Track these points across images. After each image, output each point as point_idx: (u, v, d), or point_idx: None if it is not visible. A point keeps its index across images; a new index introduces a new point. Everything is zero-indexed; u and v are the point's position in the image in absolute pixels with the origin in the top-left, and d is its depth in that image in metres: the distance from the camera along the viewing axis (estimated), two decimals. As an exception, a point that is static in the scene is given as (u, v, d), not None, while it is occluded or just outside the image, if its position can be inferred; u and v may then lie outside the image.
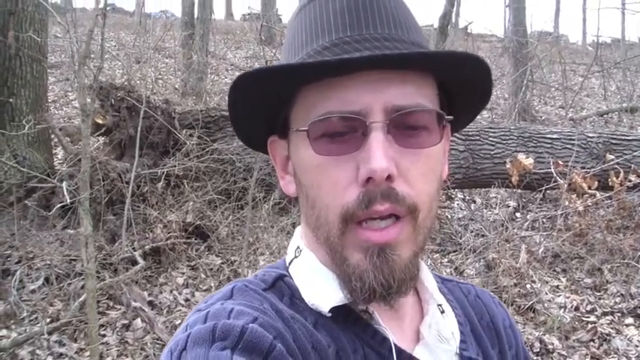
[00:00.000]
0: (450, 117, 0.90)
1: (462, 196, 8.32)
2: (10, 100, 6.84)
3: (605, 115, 13.95)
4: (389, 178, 0.81)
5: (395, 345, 0.89)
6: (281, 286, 0.93)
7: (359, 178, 0.82)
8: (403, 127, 0.84)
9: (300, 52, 0.89)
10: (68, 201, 4.73)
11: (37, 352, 4.32)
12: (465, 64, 0.88)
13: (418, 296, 1.00)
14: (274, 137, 0.99)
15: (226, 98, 0.90)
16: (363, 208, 0.82)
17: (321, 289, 0.91)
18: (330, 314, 0.88)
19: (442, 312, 0.99)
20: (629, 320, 5.06)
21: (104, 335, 4.57)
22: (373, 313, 0.90)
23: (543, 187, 6.78)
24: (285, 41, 0.98)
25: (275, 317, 0.83)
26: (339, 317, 0.89)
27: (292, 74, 0.85)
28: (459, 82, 0.91)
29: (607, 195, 6.57)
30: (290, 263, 0.98)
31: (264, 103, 0.92)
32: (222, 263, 5.87)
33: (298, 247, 0.98)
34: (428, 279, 1.00)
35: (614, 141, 7.20)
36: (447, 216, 7.26)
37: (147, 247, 5.63)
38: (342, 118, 0.83)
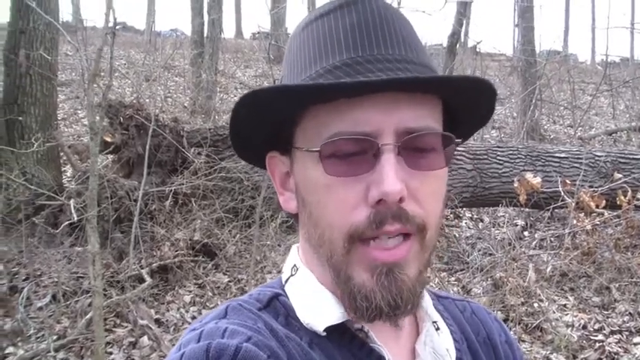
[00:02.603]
0: (459, 140, 0.89)
1: (470, 215, 8.31)
2: (20, 118, 6.91)
3: (613, 134, 13.91)
4: (400, 199, 0.81)
5: None
6: (276, 305, 0.92)
7: (369, 199, 0.82)
8: (413, 149, 0.83)
9: (309, 70, 0.88)
10: (75, 219, 4.76)
11: (44, 369, 4.33)
12: (475, 87, 0.88)
13: (414, 314, 0.99)
14: (274, 153, 0.96)
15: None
16: (373, 228, 0.82)
17: (316, 308, 0.90)
18: (324, 333, 0.88)
19: (437, 329, 0.98)
20: (638, 339, 5.02)
21: (111, 353, 4.57)
22: (368, 331, 0.89)
23: (551, 206, 6.75)
24: (287, 55, 0.96)
25: (269, 336, 0.82)
26: (335, 336, 0.88)
27: (306, 94, 0.84)
28: (465, 104, 0.91)
29: (615, 214, 6.54)
30: (286, 282, 0.97)
31: (268, 120, 0.90)
32: (230, 281, 5.87)
33: (295, 266, 0.97)
34: (424, 297, 0.99)
35: (622, 160, 7.18)
36: (454, 235, 7.24)
37: (154, 264, 5.65)
38: (353, 140, 0.83)
